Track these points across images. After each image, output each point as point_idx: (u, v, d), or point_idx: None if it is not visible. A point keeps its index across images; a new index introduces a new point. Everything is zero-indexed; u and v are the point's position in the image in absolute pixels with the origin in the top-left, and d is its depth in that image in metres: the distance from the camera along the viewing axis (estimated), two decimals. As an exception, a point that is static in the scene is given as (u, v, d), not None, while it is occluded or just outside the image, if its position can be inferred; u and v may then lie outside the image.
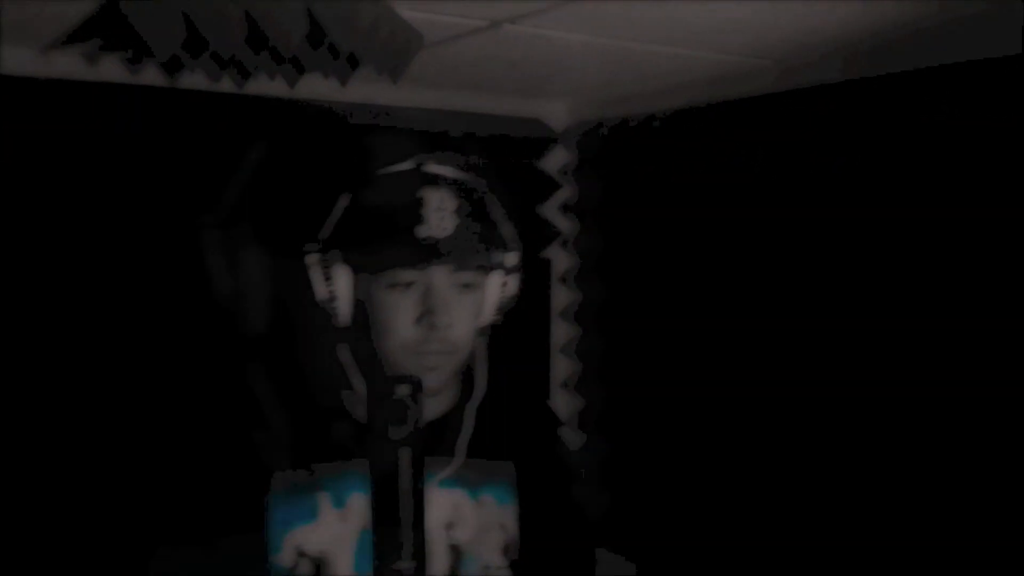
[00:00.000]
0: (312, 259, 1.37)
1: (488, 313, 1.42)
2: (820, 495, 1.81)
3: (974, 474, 1.58)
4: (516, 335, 1.51)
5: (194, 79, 1.41)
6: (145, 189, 1.71)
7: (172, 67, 1.39)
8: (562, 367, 2.38)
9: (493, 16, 1.44)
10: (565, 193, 2.32)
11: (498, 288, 1.41)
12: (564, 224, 2.33)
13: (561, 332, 2.38)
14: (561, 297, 2.37)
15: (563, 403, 2.36)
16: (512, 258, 1.41)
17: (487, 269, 1.39)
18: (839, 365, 1.75)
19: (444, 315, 1.32)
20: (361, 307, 1.37)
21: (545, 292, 2.37)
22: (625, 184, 2.18)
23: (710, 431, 2.01)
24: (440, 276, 1.33)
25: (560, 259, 2.36)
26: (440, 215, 1.32)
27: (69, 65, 1.50)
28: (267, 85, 1.42)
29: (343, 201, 1.37)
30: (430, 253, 1.31)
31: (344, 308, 1.37)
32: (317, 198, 1.39)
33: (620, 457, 2.22)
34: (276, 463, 1.36)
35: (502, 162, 2.15)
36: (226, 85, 1.41)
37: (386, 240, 1.32)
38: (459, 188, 1.35)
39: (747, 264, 1.92)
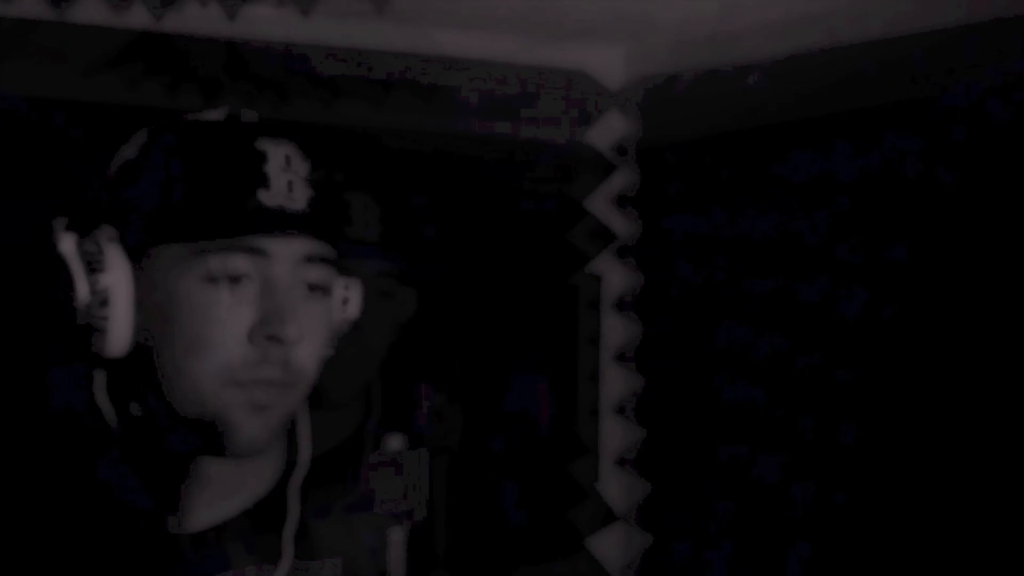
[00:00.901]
0: (68, 241, 0.91)
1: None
2: (858, 545, 1.77)
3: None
4: (542, 360, 1.48)
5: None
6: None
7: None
8: (590, 395, 2.37)
9: None
10: (595, 219, 2.33)
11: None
12: (593, 251, 2.34)
13: (589, 360, 2.37)
14: (589, 324, 2.37)
15: (591, 431, 2.35)
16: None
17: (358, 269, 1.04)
18: (900, 407, 1.71)
19: (291, 325, 0.91)
20: (147, 319, 0.93)
21: (573, 319, 2.37)
22: (657, 211, 2.18)
23: (745, 462, 2.00)
24: (285, 265, 0.92)
25: (588, 286, 2.36)
26: (287, 177, 0.92)
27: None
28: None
29: (128, 150, 0.95)
30: (276, 223, 0.91)
31: (121, 320, 0.91)
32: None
33: (654, 488, 2.20)
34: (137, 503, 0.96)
35: (531, 187, 2.16)
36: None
37: (202, 204, 0.90)
38: (308, 151, 0.97)
39: (775, 284, 1.92)
